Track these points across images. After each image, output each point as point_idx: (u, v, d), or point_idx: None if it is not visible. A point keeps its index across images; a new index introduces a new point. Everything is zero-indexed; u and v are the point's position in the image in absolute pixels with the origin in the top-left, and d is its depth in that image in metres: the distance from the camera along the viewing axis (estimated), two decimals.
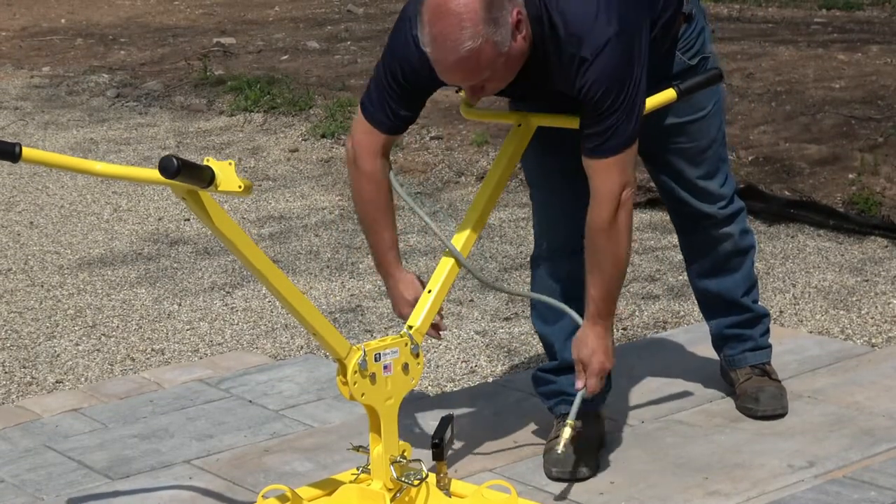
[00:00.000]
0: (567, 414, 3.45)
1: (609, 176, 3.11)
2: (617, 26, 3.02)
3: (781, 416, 3.70)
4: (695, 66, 3.44)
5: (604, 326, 3.23)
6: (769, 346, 3.84)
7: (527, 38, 3.02)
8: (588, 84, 3.03)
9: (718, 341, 3.85)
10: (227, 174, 2.64)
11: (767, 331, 3.84)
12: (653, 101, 3.24)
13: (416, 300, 3.26)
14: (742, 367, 3.80)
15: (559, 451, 3.36)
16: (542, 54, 3.07)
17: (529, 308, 3.62)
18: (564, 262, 3.43)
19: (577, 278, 3.30)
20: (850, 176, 6.07)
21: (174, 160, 2.55)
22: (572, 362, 3.48)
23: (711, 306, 3.81)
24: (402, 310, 3.34)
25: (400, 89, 3.18)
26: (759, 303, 3.84)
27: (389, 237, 3.33)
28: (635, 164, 3.22)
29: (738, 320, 3.78)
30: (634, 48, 3.06)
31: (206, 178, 2.61)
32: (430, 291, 3.18)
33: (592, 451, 3.44)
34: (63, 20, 12.59)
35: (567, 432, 3.24)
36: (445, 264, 3.21)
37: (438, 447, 3.14)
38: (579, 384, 3.26)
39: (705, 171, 3.56)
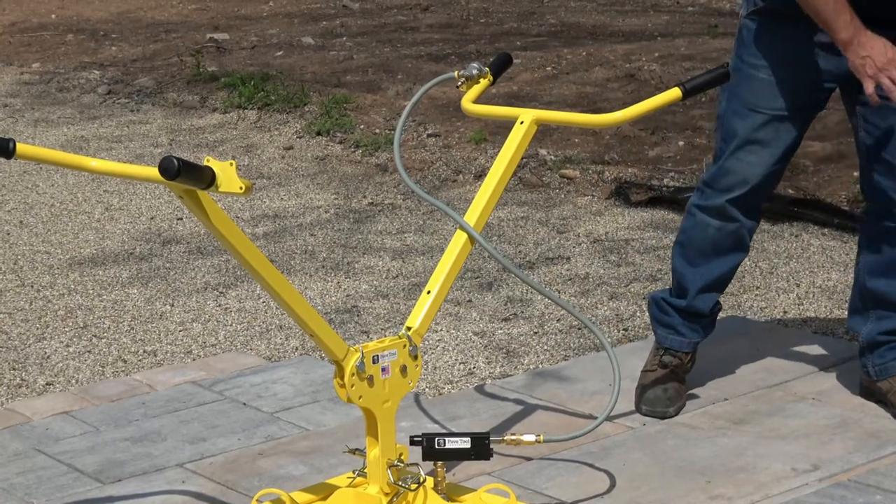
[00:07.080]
0: (669, 348, 3.78)
1: None
2: None
3: None
4: None
5: (859, 36, 3.30)
6: None
7: None
8: None
9: (867, 349, 3.74)
10: (227, 175, 2.63)
11: None
12: (657, 101, 3.20)
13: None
14: (894, 374, 3.71)
15: (650, 392, 3.71)
16: None
17: (674, 241, 3.83)
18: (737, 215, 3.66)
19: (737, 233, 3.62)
20: (855, 174, 6.02)
21: (175, 161, 2.54)
22: (699, 311, 3.73)
23: (871, 310, 3.72)
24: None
25: None
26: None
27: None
28: None
29: (893, 327, 3.70)
30: None
31: (206, 179, 2.61)
32: (429, 293, 3.14)
33: (681, 392, 3.74)
34: (53, 15, 12.53)
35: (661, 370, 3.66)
36: (445, 263, 3.18)
37: (418, 444, 3.08)
38: (868, 90, 3.33)
39: None
